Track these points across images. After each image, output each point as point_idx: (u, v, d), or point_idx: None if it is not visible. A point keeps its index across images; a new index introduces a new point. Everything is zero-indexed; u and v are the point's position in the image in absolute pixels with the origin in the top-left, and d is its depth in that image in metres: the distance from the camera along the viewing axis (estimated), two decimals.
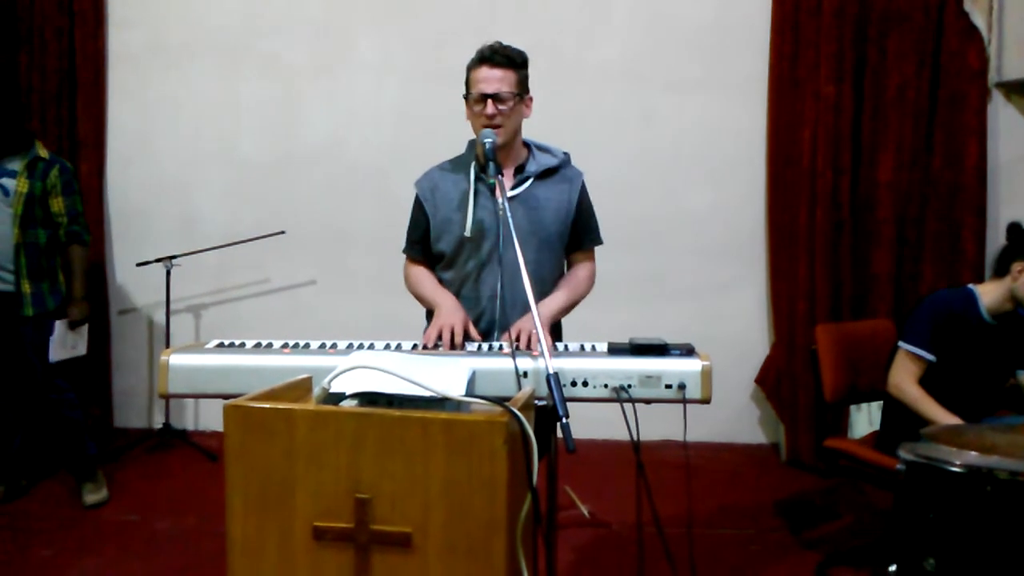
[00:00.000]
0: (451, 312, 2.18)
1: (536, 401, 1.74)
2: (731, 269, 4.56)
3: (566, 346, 2.07)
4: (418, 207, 2.38)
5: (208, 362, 1.87)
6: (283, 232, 4.53)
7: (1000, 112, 4.25)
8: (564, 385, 1.77)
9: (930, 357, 2.80)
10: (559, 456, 2.03)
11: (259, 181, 4.68)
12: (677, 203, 4.55)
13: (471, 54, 2.28)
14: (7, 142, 3.48)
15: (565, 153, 2.41)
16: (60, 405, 3.58)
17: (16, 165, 3.49)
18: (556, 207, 2.34)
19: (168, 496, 3.77)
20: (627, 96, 4.53)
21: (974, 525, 1.91)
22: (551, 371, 1.64)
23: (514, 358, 1.82)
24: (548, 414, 1.67)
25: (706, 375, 1.82)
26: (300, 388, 1.68)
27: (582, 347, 2.04)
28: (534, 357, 1.84)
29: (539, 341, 1.75)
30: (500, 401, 1.48)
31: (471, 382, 1.70)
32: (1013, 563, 1.86)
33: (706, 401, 1.83)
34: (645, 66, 4.52)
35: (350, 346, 1.98)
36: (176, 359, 1.87)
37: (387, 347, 2.01)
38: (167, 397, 1.92)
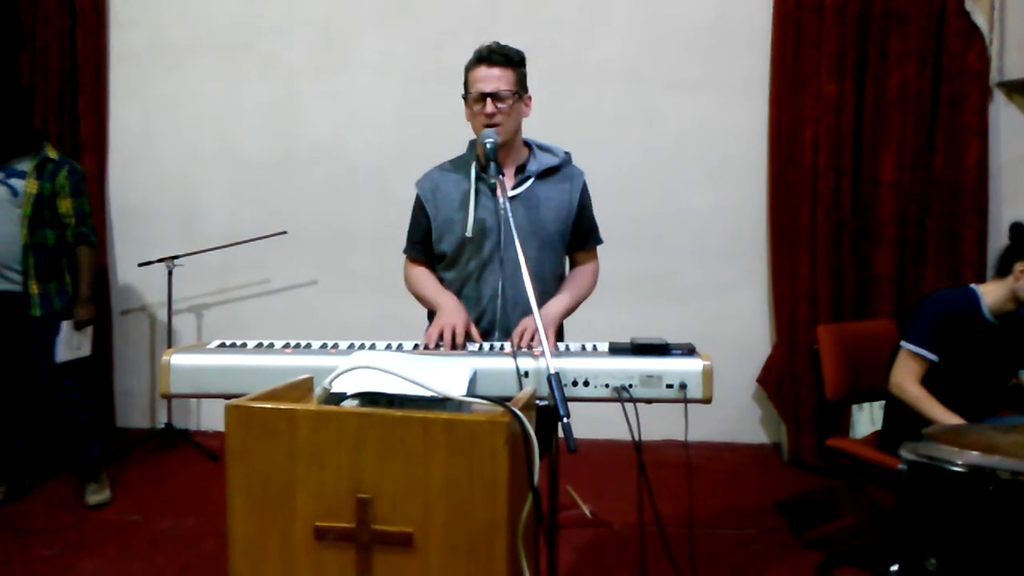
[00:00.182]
0: (453, 312, 2.18)
1: (537, 401, 1.74)
2: (732, 269, 4.56)
3: (567, 346, 2.07)
4: (419, 207, 2.38)
5: (210, 362, 1.87)
6: (285, 232, 4.54)
7: (1001, 112, 4.24)
8: (565, 385, 1.77)
9: (932, 357, 2.79)
10: (560, 456, 2.03)
11: (260, 181, 4.69)
12: (678, 203, 4.55)
13: (472, 54, 2.28)
14: (16, 143, 3.49)
15: (566, 152, 2.41)
16: (66, 405, 3.59)
17: (25, 166, 3.50)
18: (557, 206, 2.33)
19: (170, 496, 3.77)
20: (628, 96, 4.53)
21: (976, 525, 1.90)
22: (552, 371, 1.64)
23: (515, 358, 1.83)
24: (549, 414, 1.67)
25: (707, 375, 1.82)
26: (301, 388, 1.68)
27: (583, 347, 2.04)
28: (535, 357, 1.84)
29: (542, 342, 1.75)
30: (501, 401, 1.48)
31: (472, 382, 1.70)
32: (1015, 563, 1.86)
33: (707, 401, 1.83)
34: (646, 66, 4.52)
35: (351, 346, 1.98)
36: (178, 359, 1.87)
37: (388, 347, 2.01)
38: (169, 397, 1.93)
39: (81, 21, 4.51)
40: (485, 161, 2.17)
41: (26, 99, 3.55)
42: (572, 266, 2.47)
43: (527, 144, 2.39)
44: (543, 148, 2.39)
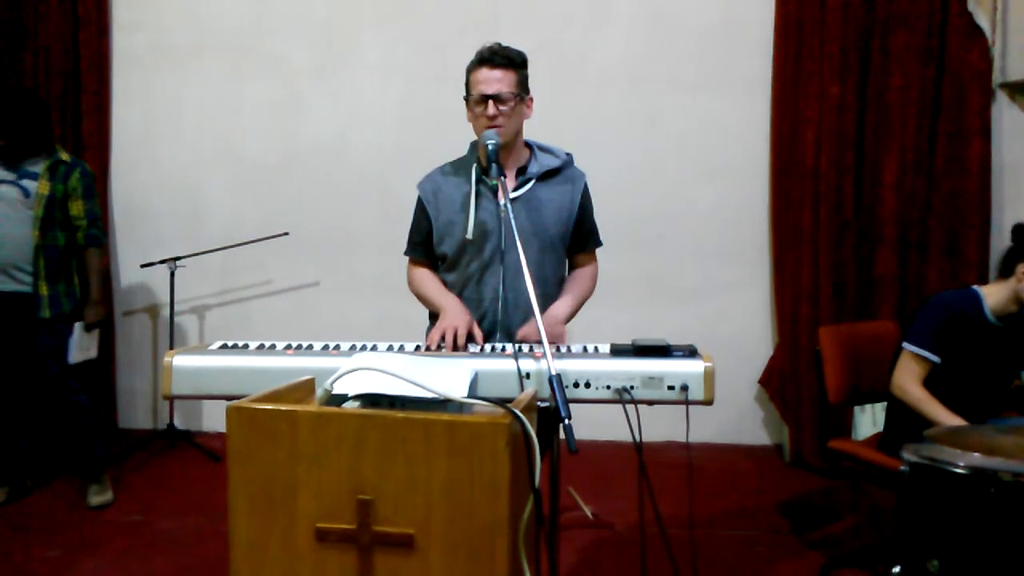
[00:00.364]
0: (456, 314, 2.18)
1: (539, 402, 1.74)
2: (734, 270, 4.56)
3: (568, 347, 2.07)
4: (420, 209, 2.39)
5: (211, 363, 1.87)
6: (287, 233, 4.54)
7: (1004, 113, 4.24)
8: (567, 386, 1.78)
9: (934, 358, 2.79)
10: (562, 457, 2.03)
11: (263, 182, 4.69)
12: (680, 203, 4.54)
13: (473, 55, 2.28)
14: (29, 145, 3.51)
15: (568, 154, 2.41)
16: (72, 406, 3.60)
17: (38, 167, 3.51)
18: (558, 208, 2.33)
19: (171, 497, 3.77)
20: (630, 96, 4.53)
21: (978, 527, 1.90)
22: (553, 372, 1.64)
23: (516, 359, 1.83)
24: (551, 415, 1.67)
25: (708, 376, 1.82)
26: (303, 389, 1.68)
27: (584, 348, 2.04)
28: (536, 359, 1.84)
29: (543, 342, 1.75)
30: (502, 403, 1.48)
31: (473, 383, 1.70)
32: (1017, 564, 1.86)
33: (708, 402, 1.83)
34: (648, 66, 4.52)
35: (353, 347, 1.98)
36: (180, 360, 1.87)
37: (390, 348, 2.01)
38: (171, 398, 1.93)
39: (84, 23, 4.52)
40: (486, 163, 2.17)
41: (39, 101, 3.57)
42: (571, 268, 2.47)
43: (528, 145, 2.39)
44: (544, 149, 2.39)
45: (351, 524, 1.42)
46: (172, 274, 4.40)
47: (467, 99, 2.28)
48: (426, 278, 2.39)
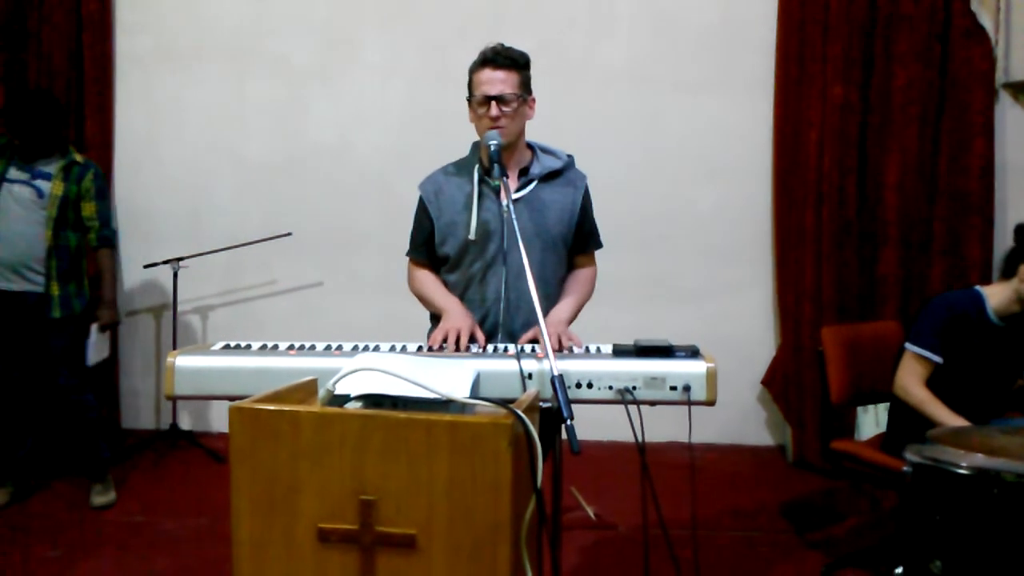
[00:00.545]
0: (459, 317, 2.18)
1: (541, 403, 1.74)
2: (737, 270, 4.56)
3: (571, 348, 2.07)
4: (422, 210, 2.39)
5: (214, 364, 1.88)
6: (290, 234, 4.55)
7: (1007, 113, 4.24)
8: (569, 387, 1.77)
9: (937, 359, 2.79)
10: (564, 458, 2.03)
11: (266, 183, 4.70)
12: (683, 204, 4.54)
13: (476, 56, 2.28)
14: (43, 145, 3.52)
15: (569, 155, 2.41)
16: (79, 406, 3.61)
17: (51, 168, 3.53)
18: (560, 209, 2.33)
19: (174, 497, 3.78)
20: (633, 97, 4.53)
21: (981, 527, 1.90)
22: (556, 373, 1.64)
23: (519, 360, 1.83)
24: (553, 416, 1.67)
25: (711, 377, 1.82)
26: (305, 390, 1.68)
27: (587, 349, 2.04)
28: (539, 359, 1.84)
29: (544, 343, 1.75)
30: (505, 403, 1.48)
31: (476, 384, 1.70)
32: (1019, 565, 1.86)
33: (711, 403, 1.83)
34: (651, 67, 4.52)
35: (355, 348, 1.98)
36: (182, 361, 1.87)
37: (392, 349, 2.02)
38: (173, 399, 1.93)
39: (87, 25, 4.52)
40: (489, 163, 2.17)
41: (54, 101, 3.59)
42: (571, 270, 2.46)
43: (530, 147, 2.38)
44: (546, 151, 2.38)
45: (353, 524, 1.42)
46: (175, 274, 4.41)
47: (470, 100, 2.28)
48: (427, 279, 2.39)
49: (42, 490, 3.80)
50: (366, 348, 1.98)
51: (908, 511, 2.04)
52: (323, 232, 4.66)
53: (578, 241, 2.40)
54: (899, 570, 2.04)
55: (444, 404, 1.53)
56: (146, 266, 4.42)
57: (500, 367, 1.83)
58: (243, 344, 2.02)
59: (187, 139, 4.72)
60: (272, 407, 1.46)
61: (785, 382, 4.38)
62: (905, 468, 2.06)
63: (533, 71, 2.31)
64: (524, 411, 1.45)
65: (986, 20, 4.08)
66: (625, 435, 1.75)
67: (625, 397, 1.80)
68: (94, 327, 3.61)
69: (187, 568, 3.06)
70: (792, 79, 4.29)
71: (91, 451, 3.65)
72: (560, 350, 2.00)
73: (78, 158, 3.61)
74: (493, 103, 2.20)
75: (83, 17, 4.52)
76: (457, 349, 2.06)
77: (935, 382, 2.80)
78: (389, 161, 4.57)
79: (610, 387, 1.81)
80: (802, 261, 4.29)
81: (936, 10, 4.11)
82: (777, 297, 4.48)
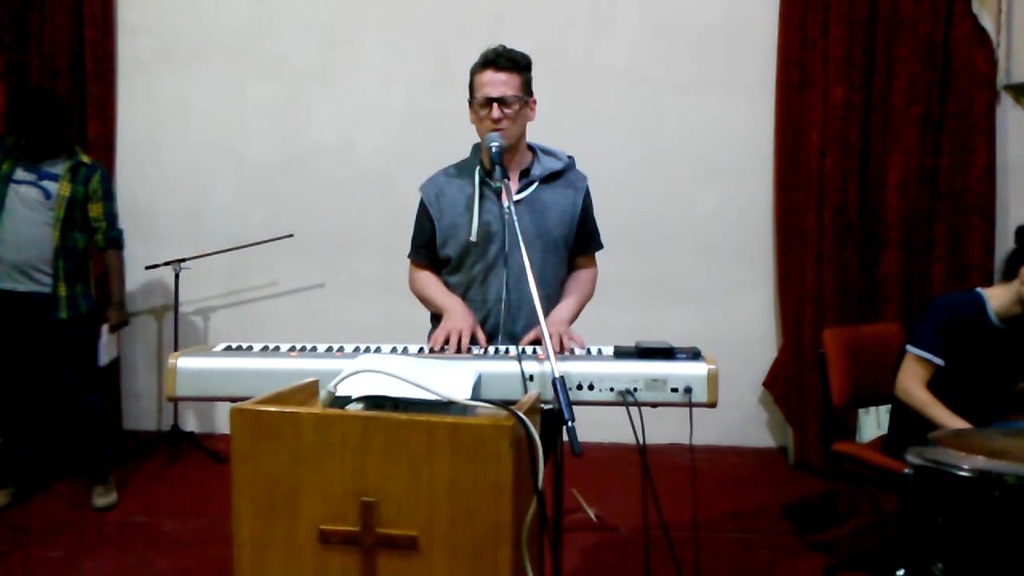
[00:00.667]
0: (460, 317, 2.18)
1: (542, 405, 1.74)
2: (738, 272, 4.55)
3: (572, 349, 2.07)
4: (423, 212, 2.38)
5: (215, 365, 1.88)
6: (291, 235, 4.55)
7: (1008, 114, 4.24)
8: (570, 389, 1.77)
9: (938, 361, 2.79)
10: (565, 459, 2.03)
11: (267, 184, 4.70)
12: (684, 205, 4.54)
13: (478, 57, 2.28)
14: (51, 145, 3.53)
15: (570, 157, 2.41)
16: (83, 407, 3.62)
17: (58, 168, 3.54)
18: (561, 211, 2.34)
19: (175, 498, 3.78)
20: (634, 98, 4.53)
21: (982, 530, 1.90)
22: (557, 375, 1.64)
23: (520, 362, 1.83)
24: (554, 418, 1.67)
25: (712, 379, 1.82)
26: (306, 391, 1.68)
27: (588, 350, 2.04)
28: (540, 361, 1.84)
29: (546, 344, 1.75)
30: (506, 405, 1.48)
31: (477, 386, 1.70)
32: (1021, 568, 1.85)
33: (712, 405, 1.83)
34: (652, 68, 4.52)
35: (356, 349, 1.98)
36: (184, 362, 1.87)
37: (393, 350, 2.02)
38: (175, 400, 1.93)
39: (88, 26, 4.53)
40: (490, 165, 2.17)
41: (60, 102, 3.60)
42: (571, 271, 2.46)
43: (531, 148, 2.38)
44: (547, 152, 2.39)
45: (354, 526, 1.42)
46: (177, 276, 4.41)
47: (471, 101, 2.28)
48: (429, 280, 2.39)
49: (43, 491, 3.80)
50: (367, 349, 1.98)
51: (909, 513, 2.04)
52: (324, 233, 4.66)
53: (579, 242, 2.40)
54: (900, 572, 2.04)
55: (445, 406, 1.53)
56: (148, 267, 4.42)
57: (501, 369, 1.83)
58: (244, 345, 2.02)
59: (189, 140, 4.73)
60: (273, 408, 1.46)
61: (786, 384, 4.38)
62: (906, 470, 2.06)
63: (533, 71, 2.31)
64: (525, 413, 1.45)
65: (987, 22, 4.08)
66: (626, 437, 1.75)
67: (626, 399, 1.80)
68: (104, 328, 3.63)
69: (188, 569, 3.06)
70: (793, 80, 4.29)
71: (93, 452, 3.66)
72: (562, 351, 2.00)
73: (85, 159, 3.62)
74: (495, 105, 2.20)
75: (85, 17, 4.53)
76: (458, 350, 2.06)
77: (936, 384, 2.79)
78: (390, 161, 4.57)
79: (611, 389, 1.81)
80: (803, 262, 4.29)
81: (937, 12, 4.11)
82: (778, 298, 4.48)
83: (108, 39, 4.60)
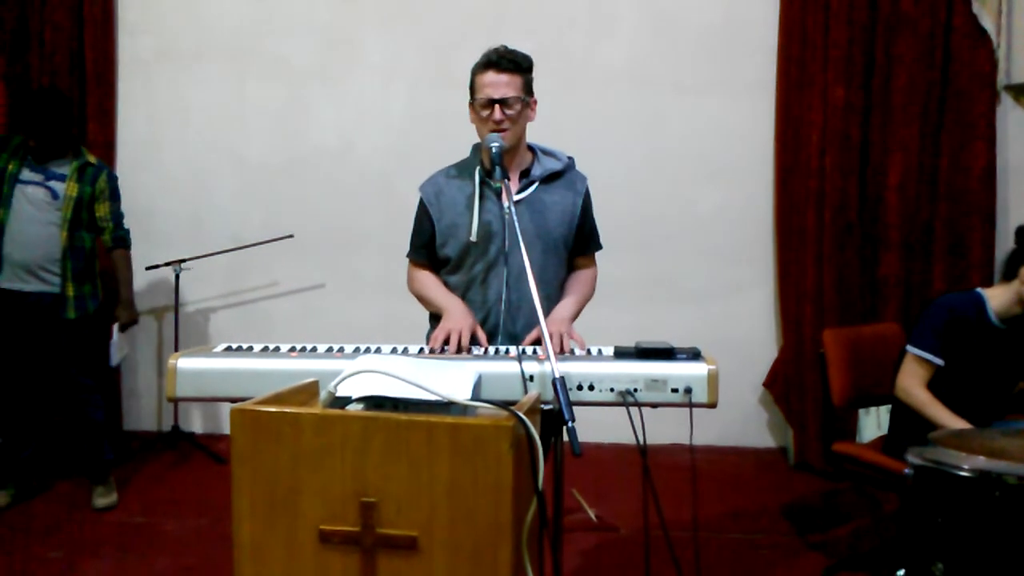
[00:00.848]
0: (460, 317, 2.18)
1: (542, 405, 1.74)
2: (738, 272, 4.55)
3: (572, 350, 2.07)
4: (423, 212, 2.38)
5: (216, 365, 1.88)
6: (291, 236, 4.55)
7: (1009, 115, 4.24)
8: (570, 389, 1.77)
9: (938, 361, 2.79)
10: (565, 460, 2.03)
11: (267, 184, 4.70)
12: (684, 205, 4.54)
13: (479, 58, 2.28)
14: (58, 145, 3.54)
15: (569, 157, 2.41)
16: (88, 406, 3.63)
17: (65, 169, 3.55)
18: (561, 211, 2.34)
19: (175, 499, 3.78)
20: (635, 99, 4.53)
21: (982, 530, 1.90)
22: (557, 375, 1.64)
23: (520, 362, 1.83)
24: (554, 418, 1.67)
25: (712, 379, 1.82)
26: (307, 392, 1.68)
27: (588, 351, 2.04)
28: (540, 361, 1.84)
29: (546, 344, 1.75)
30: (506, 405, 1.48)
31: (477, 386, 1.70)
32: (1021, 568, 1.85)
33: (712, 405, 1.83)
34: (652, 68, 4.52)
35: (357, 350, 1.98)
36: (184, 362, 1.87)
37: (393, 351, 2.02)
38: (175, 400, 1.93)
39: (89, 26, 4.53)
40: (490, 165, 2.17)
41: (67, 102, 3.61)
42: (571, 271, 2.46)
43: (531, 148, 2.39)
44: (547, 152, 2.39)
45: (354, 526, 1.43)
46: (177, 276, 4.41)
47: (472, 101, 2.28)
48: (428, 279, 2.39)
49: (44, 491, 3.81)
50: (367, 350, 1.98)
51: (910, 513, 2.04)
52: (325, 233, 4.66)
53: (578, 243, 2.40)
54: (901, 572, 2.04)
55: (445, 406, 1.53)
56: (148, 268, 4.42)
57: (501, 369, 1.83)
58: (245, 346, 2.02)
59: (189, 140, 4.73)
60: (273, 409, 1.46)
61: (786, 384, 4.38)
62: (907, 470, 2.06)
63: (535, 72, 2.31)
64: (525, 413, 1.45)
65: (987, 22, 4.08)
66: (626, 437, 1.75)
67: (626, 399, 1.80)
68: (115, 328, 3.65)
69: (188, 569, 3.06)
70: (793, 80, 4.29)
71: (95, 452, 3.66)
72: (562, 351, 2.00)
73: (91, 159, 3.64)
74: (496, 106, 2.20)
75: (85, 18, 4.53)
76: (458, 350, 2.06)
77: (936, 384, 2.79)
78: (390, 162, 4.57)
79: (611, 389, 1.81)
80: (803, 262, 4.29)
81: (937, 12, 4.11)
82: (778, 299, 4.48)
83: (108, 39, 4.60)
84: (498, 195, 2.28)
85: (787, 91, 4.31)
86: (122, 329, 3.71)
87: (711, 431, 4.42)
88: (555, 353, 1.72)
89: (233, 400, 1.59)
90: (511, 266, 2.28)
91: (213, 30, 4.68)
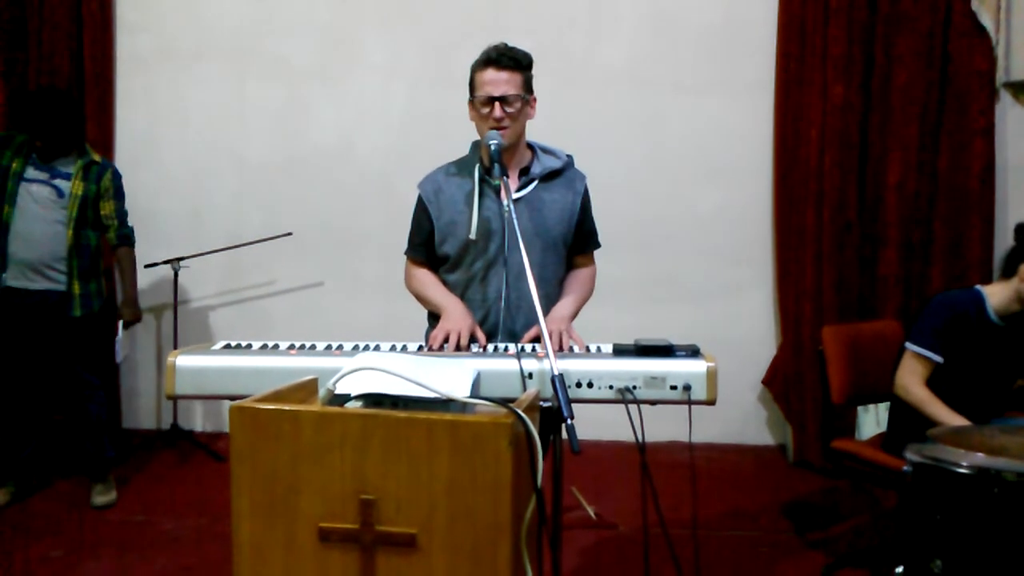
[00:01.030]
0: (459, 317, 2.18)
1: (541, 402, 1.74)
2: (738, 270, 4.56)
3: (571, 347, 2.07)
4: (421, 209, 2.38)
5: (214, 363, 1.88)
6: (290, 234, 4.55)
7: (1008, 112, 4.24)
8: (569, 386, 1.78)
9: (937, 358, 2.79)
10: (564, 457, 2.03)
11: (266, 183, 4.70)
12: (684, 204, 4.54)
13: (480, 55, 2.28)
14: (63, 144, 3.54)
15: (568, 155, 2.41)
16: (90, 402, 3.64)
17: (70, 167, 3.56)
18: (560, 209, 2.34)
19: (174, 497, 3.78)
20: (634, 98, 4.53)
21: (981, 527, 1.90)
22: (556, 372, 1.64)
23: (519, 359, 1.83)
24: (553, 415, 1.67)
25: (711, 376, 1.82)
26: (306, 389, 1.68)
27: (587, 348, 2.04)
28: (539, 358, 1.84)
29: (545, 343, 1.75)
30: (505, 402, 1.48)
31: (476, 383, 1.70)
32: (1020, 565, 1.86)
33: (711, 402, 1.83)
34: (652, 68, 4.52)
35: (356, 347, 1.99)
36: (183, 360, 1.87)
37: (392, 349, 2.02)
38: (174, 398, 1.93)
39: (88, 25, 4.53)
40: (489, 163, 2.17)
41: (72, 101, 3.61)
42: (570, 269, 2.46)
43: (530, 146, 2.39)
44: (546, 150, 2.39)
45: (354, 524, 1.43)
46: (176, 274, 4.41)
47: (471, 99, 2.28)
48: (427, 278, 2.39)
49: (43, 489, 3.81)
50: (366, 348, 1.99)
51: (909, 511, 2.04)
52: (324, 232, 4.66)
53: (578, 241, 2.40)
54: (899, 570, 2.04)
55: (444, 404, 1.53)
56: (147, 266, 4.41)
57: (500, 366, 1.83)
58: (243, 344, 2.02)
59: (188, 139, 4.73)
60: (272, 407, 1.46)
61: (786, 382, 4.38)
62: (905, 467, 2.06)
63: (535, 71, 2.31)
64: (524, 410, 1.45)
65: (986, 20, 4.08)
66: (625, 435, 1.75)
67: (625, 396, 1.80)
68: (120, 325, 3.66)
69: (187, 568, 3.06)
70: (792, 79, 4.29)
71: (96, 449, 3.66)
72: (561, 348, 2.00)
73: (96, 157, 3.65)
74: (496, 104, 2.20)
75: (84, 17, 4.52)
76: (458, 349, 2.06)
77: (935, 381, 2.80)
78: (390, 161, 4.57)
79: (610, 386, 1.82)
80: (803, 261, 4.29)
81: (936, 10, 4.11)
82: (778, 297, 4.48)
83: (107, 38, 4.60)
84: (497, 193, 2.28)
85: (786, 90, 4.31)
86: (126, 327, 3.73)
87: (710, 429, 4.42)
88: (554, 351, 1.72)
89: (232, 398, 1.59)
90: (511, 264, 2.28)
91: (213, 29, 4.68)
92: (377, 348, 2.00)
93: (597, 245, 2.48)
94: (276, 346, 2.00)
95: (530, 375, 1.81)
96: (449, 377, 1.65)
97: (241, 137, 4.70)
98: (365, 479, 1.42)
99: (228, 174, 4.73)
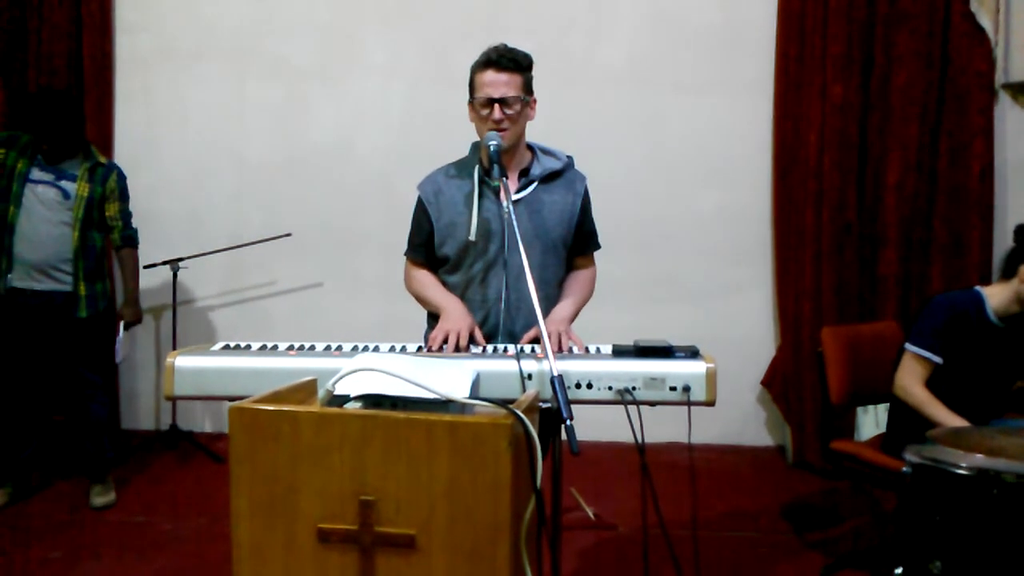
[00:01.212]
0: (459, 317, 2.18)
1: (540, 403, 1.74)
2: (737, 271, 4.56)
3: (571, 348, 2.07)
4: (421, 210, 2.38)
5: (214, 364, 1.88)
6: (290, 234, 4.55)
7: (1007, 113, 4.24)
8: (568, 387, 1.78)
9: (936, 359, 2.79)
10: (564, 458, 2.03)
11: (266, 183, 4.70)
12: (683, 205, 4.55)
13: (479, 56, 2.28)
14: (66, 146, 3.54)
15: (568, 156, 2.41)
16: (92, 402, 3.64)
17: (75, 169, 3.56)
18: (560, 211, 2.33)
19: (174, 498, 3.78)
20: (633, 98, 4.53)
21: (980, 528, 1.90)
22: (555, 373, 1.64)
23: (519, 360, 1.83)
24: (553, 416, 1.67)
25: (710, 377, 1.82)
26: (305, 390, 1.68)
27: (587, 349, 2.04)
28: (538, 359, 1.84)
29: (544, 343, 1.75)
30: (504, 403, 1.48)
31: (475, 384, 1.70)
32: (1019, 566, 1.86)
33: (710, 403, 1.83)
34: (651, 68, 4.53)
35: (355, 348, 1.98)
36: (182, 361, 1.87)
37: (392, 349, 2.02)
38: (173, 399, 1.93)
39: (87, 25, 4.53)
40: (489, 164, 2.17)
41: (76, 103, 3.61)
42: (570, 271, 2.46)
43: (530, 147, 2.38)
44: (546, 152, 2.38)
45: (353, 525, 1.43)
46: (175, 275, 4.41)
47: (471, 100, 2.27)
48: (426, 279, 2.39)
49: (42, 490, 3.80)
50: (366, 348, 1.98)
51: (908, 511, 2.04)
52: (323, 233, 4.66)
53: (577, 242, 2.40)
54: (899, 571, 2.04)
55: (444, 404, 1.53)
56: (146, 266, 4.40)
57: (500, 367, 1.83)
58: (243, 344, 2.02)
59: (187, 139, 4.73)
60: (272, 407, 1.46)
61: (785, 383, 4.38)
62: (905, 468, 2.06)
63: (535, 71, 2.31)
64: (524, 411, 1.45)
65: (986, 21, 4.08)
66: (625, 436, 1.75)
67: (625, 397, 1.80)
68: (122, 325, 3.66)
69: (187, 569, 3.06)
70: (792, 79, 4.29)
71: (96, 450, 3.66)
72: (560, 350, 2.00)
73: (101, 159, 3.66)
74: (496, 105, 2.20)
75: (83, 17, 4.53)
76: (457, 350, 2.06)
77: (935, 382, 2.80)
78: (390, 161, 4.57)
79: (610, 387, 1.81)
80: (802, 261, 4.29)
81: (936, 10, 4.11)
82: (777, 298, 4.48)
83: (106, 38, 4.60)
84: (497, 194, 2.28)
85: (786, 90, 4.31)
86: (126, 327, 3.73)
87: (710, 430, 4.42)
88: (553, 351, 1.72)
89: (231, 399, 1.59)
90: (510, 266, 2.28)
91: (213, 29, 4.68)
92: (376, 349, 2.00)
93: (597, 246, 2.48)
94: (275, 347, 2.00)
95: (529, 376, 1.81)
96: (448, 378, 1.65)
97: (241, 137, 4.71)
98: (364, 480, 1.42)
99: (228, 174, 4.73)
